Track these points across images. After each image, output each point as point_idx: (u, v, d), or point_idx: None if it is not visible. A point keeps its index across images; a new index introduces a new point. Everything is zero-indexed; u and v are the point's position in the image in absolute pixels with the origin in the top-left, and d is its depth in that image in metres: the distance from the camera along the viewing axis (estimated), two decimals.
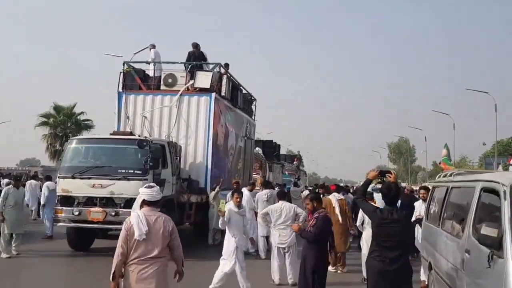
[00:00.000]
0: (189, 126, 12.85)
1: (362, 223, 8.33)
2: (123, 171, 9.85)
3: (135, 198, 9.11)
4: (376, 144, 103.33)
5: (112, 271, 4.34)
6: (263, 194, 11.56)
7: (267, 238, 11.10)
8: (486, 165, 43.45)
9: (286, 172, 30.46)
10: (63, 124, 31.07)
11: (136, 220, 4.42)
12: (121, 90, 13.29)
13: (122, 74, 13.44)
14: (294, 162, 34.86)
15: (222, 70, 13.74)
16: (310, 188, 20.20)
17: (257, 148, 23.63)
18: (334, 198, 9.66)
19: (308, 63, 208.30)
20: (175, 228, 4.61)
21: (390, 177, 4.98)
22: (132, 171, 9.83)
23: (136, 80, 13.46)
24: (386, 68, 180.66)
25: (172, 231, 4.54)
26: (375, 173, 5.19)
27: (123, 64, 13.50)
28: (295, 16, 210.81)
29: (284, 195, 9.04)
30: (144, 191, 4.59)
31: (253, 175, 19.27)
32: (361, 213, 7.81)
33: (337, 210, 9.27)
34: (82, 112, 32.01)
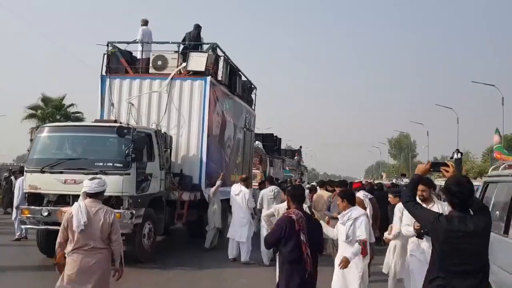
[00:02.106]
0: (181, 114, 11.34)
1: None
2: (101, 164, 8.33)
3: (115, 197, 7.84)
4: (376, 139, 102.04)
5: (55, 261, 4.62)
6: (268, 191, 10.09)
7: None
8: (492, 161, 42.14)
9: (287, 168, 29.03)
10: (52, 116, 29.30)
11: (76, 210, 4.52)
12: (104, 74, 11.78)
13: (106, 56, 11.93)
14: (295, 157, 33.38)
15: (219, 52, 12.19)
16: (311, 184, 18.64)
17: (257, 142, 22.22)
18: (366, 197, 8.06)
19: (305, 56, 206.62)
20: (116, 221, 4.66)
21: (447, 170, 3.52)
22: (111, 164, 8.32)
23: (121, 63, 11.94)
24: (387, 61, 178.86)
25: (112, 223, 4.58)
26: (426, 166, 3.70)
27: (107, 45, 11.95)
28: (293, 9, 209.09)
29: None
30: (85, 182, 4.74)
31: (253, 171, 17.82)
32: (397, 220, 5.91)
33: (369, 211, 7.58)
34: (72, 104, 30.45)
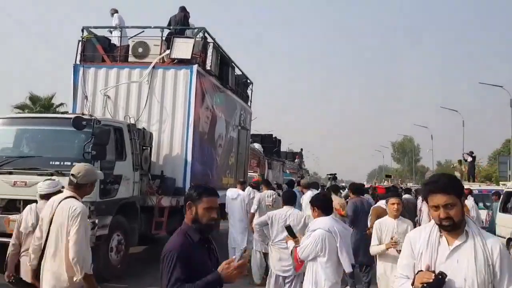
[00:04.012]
0: (164, 108, 9.95)
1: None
2: (57, 163, 6.89)
3: None
4: (379, 143, 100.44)
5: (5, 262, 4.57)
6: (266, 196, 8.69)
7: (265, 255, 8.20)
8: (500, 164, 40.61)
9: (287, 171, 27.59)
10: None
11: (26, 212, 4.68)
12: (78, 63, 10.40)
13: (80, 43, 10.56)
14: (296, 160, 31.93)
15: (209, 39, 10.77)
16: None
17: (256, 145, 20.85)
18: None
19: (307, 56, 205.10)
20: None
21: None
22: (69, 163, 6.83)
23: (98, 50, 10.57)
24: (391, 62, 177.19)
25: None
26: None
27: (82, 31, 10.58)
28: (295, 7, 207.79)
29: (292, 198, 6.28)
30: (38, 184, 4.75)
31: (250, 173, 16.40)
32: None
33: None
34: (62, 104, 28.94)
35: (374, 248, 5.24)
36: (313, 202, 4.54)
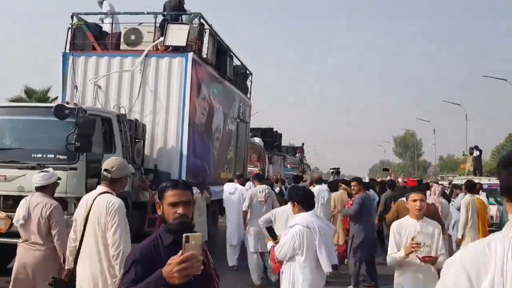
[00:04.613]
0: (158, 98, 9.42)
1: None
2: (39, 155, 6.36)
3: (58, 198, 5.88)
4: (381, 137, 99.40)
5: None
6: (258, 191, 8.15)
7: (261, 255, 7.70)
8: None
9: (288, 166, 27.06)
10: None
11: (21, 204, 4.64)
12: (68, 51, 9.87)
13: (70, 30, 10.01)
14: (297, 154, 31.39)
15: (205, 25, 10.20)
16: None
17: (256, 139, 20.32)
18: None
19: (309, 51, 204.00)
20: (54, 215, 4.48)
21: None
22: (52, 155, 6.36)
23: (88, 38, 10.02)
24: (391, 56, 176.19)
25: (49, 217, 4.45)
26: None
27: (71, 17, 10.04)
28: (292, 10, 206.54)
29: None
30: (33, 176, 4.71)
31: (250, 168, 15.89)
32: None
33: None
34: (57, 97, 28.42)
35: (392, 258, 4.04)
36: (293, 197, 4.20)
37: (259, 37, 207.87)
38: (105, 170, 3.72)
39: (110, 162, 3.78)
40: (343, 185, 9.42)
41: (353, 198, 7.57)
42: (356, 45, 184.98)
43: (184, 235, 1.95)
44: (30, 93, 28.44)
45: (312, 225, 3.91)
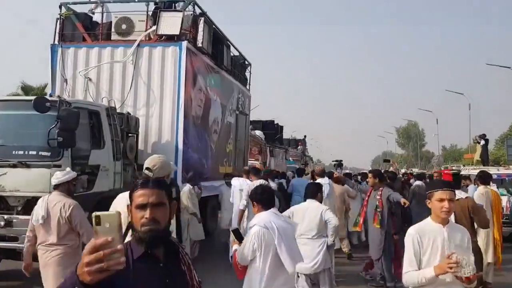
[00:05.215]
0: (151, 90, 8.98)
1: None
2: (21, 152, 5.95)
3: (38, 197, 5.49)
4: (383, 128, 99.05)
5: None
6: (253, 186, 7.61)
7: None
8: (508, 147, 39.49)
9: (290, 158, 26.60)
10: None
11: (39, 204, 4.53)
12: (56, 43, 9.42)
13: (59, 20, 9.56)
14: (299, 147, 30.91)
15: (198, 11, 9.70)
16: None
17: (257, 131, 19.88)
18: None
19: (311, 44, 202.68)
20: (76, 214, 4.40)
21: None
22: (35, 152, 5.93)
23: (78, 28, 9.57)
24: (393, 46, 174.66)
25: (69, 217, 4.38)
26: None
27: (60, 7, 9.57)
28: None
29: (316, 191, 5.62)
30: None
31: (251, 161, 15.45)
32: None
33: None
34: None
35: (412, 277, 2.97)
36: (252, 196, 3.94)
37: (259, 29, 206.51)
38: (147, 168, 3.59)
39: (152, 161, 3.64)
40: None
41: (370, 189, 7.09)
42: (359, 36, 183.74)
43: (93, 214, 1.45)
44: (27, 90, 27.95)
45: (270, 224, 3.68)
